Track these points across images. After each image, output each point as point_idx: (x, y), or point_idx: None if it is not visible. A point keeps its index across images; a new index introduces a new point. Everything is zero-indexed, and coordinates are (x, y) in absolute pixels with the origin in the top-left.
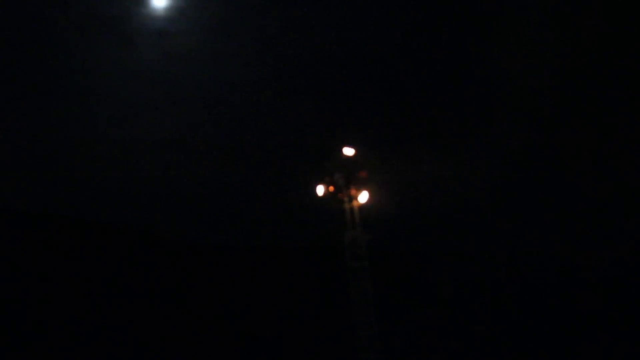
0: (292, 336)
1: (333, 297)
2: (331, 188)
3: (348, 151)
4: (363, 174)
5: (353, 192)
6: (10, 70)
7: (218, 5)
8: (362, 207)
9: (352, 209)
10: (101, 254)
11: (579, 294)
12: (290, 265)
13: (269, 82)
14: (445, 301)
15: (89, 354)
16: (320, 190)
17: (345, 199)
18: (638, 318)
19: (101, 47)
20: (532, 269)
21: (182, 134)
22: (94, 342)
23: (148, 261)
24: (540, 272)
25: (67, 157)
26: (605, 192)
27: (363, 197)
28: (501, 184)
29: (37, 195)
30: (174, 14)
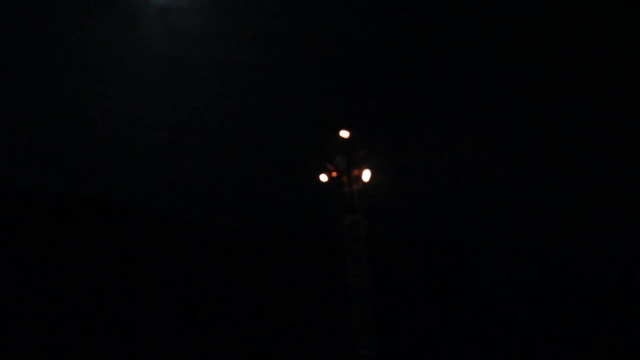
0: (290, 318)
1: (331, 280)
2: (333, 173)
3: (344, 133)
4: (362, 154)
5: (355, 173)
6: (12, 50)
7: None
8: (362, 190)
9: (352, 192)
10: (105, 232)
11: (581, 287)
12: (289, 248)
13: (270, 62)
14: (444, 286)
15: (102, 331)
16: (323, 178)
17: (345, 180)
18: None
19: (103, 24)
20: (535, 257)
21: (184, 113)
22: (105, 318)
23: (150, 239)
24: (543, 260)
25: (70, 136)
26: (603, 187)
27: (366, 175)
28: (504, 171)
29: (41, 174)
30: None
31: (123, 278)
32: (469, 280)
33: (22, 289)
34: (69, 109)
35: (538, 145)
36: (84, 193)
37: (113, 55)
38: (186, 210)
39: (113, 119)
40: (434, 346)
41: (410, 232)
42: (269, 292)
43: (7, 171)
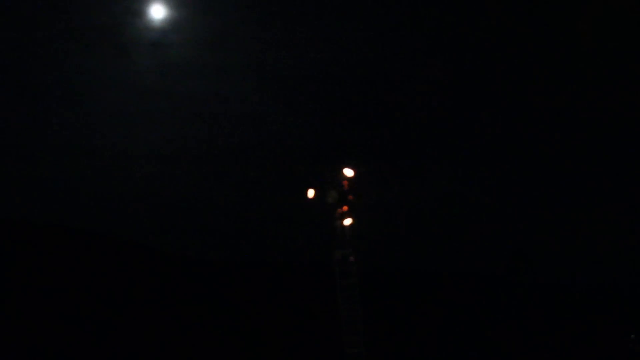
0: (280, 353)
1: (322, 315)
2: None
3: (348, 172)
4: (353, 194)
5: (345, 208)
6: (4, 79)
7: (213, 18)
8: (354, 225)
9: (343, 226)
10: (88, 264)
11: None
12: (280, 282)
13: (263, 96)
14: (435, 319)
15: None
16: (310, 193)
17: (337, 215)
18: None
19: (96, 57)
20: (522, 287)
21: (175, 147)
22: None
23: (133, 272)
24: (531, 288)
25: (60, 167)
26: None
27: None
28: (489, 200)
29: (30, 204)
30: (169, 26)
31: (109, 311)
32: (463, 312)
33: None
34: (59, 140)
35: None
36: (70, 225)
37: (104, 88)
38: (177, 243)
39: (103, 151)
40: None
41: (404, 265)
42: (260, 325)
43: None
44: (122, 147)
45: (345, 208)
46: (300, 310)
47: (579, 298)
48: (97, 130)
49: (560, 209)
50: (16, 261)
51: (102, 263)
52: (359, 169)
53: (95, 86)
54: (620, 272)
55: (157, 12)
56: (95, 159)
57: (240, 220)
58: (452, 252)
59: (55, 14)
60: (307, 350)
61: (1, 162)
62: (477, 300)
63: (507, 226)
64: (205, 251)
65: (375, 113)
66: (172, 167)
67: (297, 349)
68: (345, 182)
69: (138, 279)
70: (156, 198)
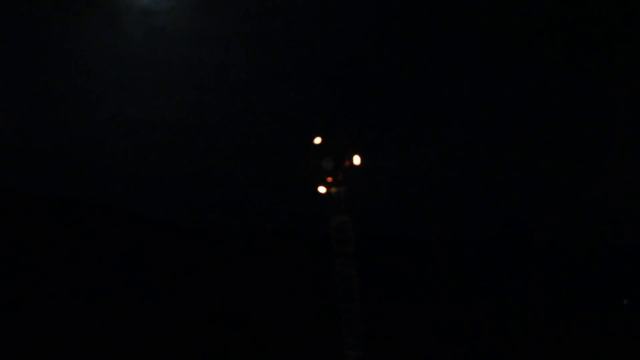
0: (277, 319)
1: (318, 282)
2: (329, 179)
3: (356, 160)
4: (352, 160)
5: (341, 176)
6: None
7: None
8: (350, 191)
9: (339, 193)
10: (88, 234)
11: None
12: (276, 250)
13: (255, 61)
14: (433, 287)
15: (80, 336)
16: (317, 140)
17: (333, 181)
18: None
19: (85, 25)
20: (522, 255)
21: (168, 114)
22: (84, 324)
23: (132, 242)
24: (530, 259)
25: (52, 137)
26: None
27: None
28: (494, 168)
29: (22, 175)
30: None
31: (116, 281)
32: (458, 279)
33: (14, 291)
34: (51, 110)
35: (532, 143)
36: (66, 195)
37: (96, 57)
38: (171, 212)
39: (96, 120)
40: (422, 347)
41: (400, 232)
42: (257, 293)
43: None
44: (115, 115)
45: (341, 176)
46: (298, 278)
47: (572, 264)
48: (89, 99)
49: (555, 174)
50: (25, 232)
51: (97, 232)
52: (359, 133)
53: (86, 54)
54: (613, 238)
55: None
56: (86, 127)
57: (237, 190)
58: (448, 219)
59: None
60: (304, 316)
61: None
62: (473, 265)
63: (501, 192)
64: (198, 219)
65: (372, 83)
66: (165, 136)
67: (294, 315)
68: (342, 147)
69: (132, 248)
70: (149, 166)
